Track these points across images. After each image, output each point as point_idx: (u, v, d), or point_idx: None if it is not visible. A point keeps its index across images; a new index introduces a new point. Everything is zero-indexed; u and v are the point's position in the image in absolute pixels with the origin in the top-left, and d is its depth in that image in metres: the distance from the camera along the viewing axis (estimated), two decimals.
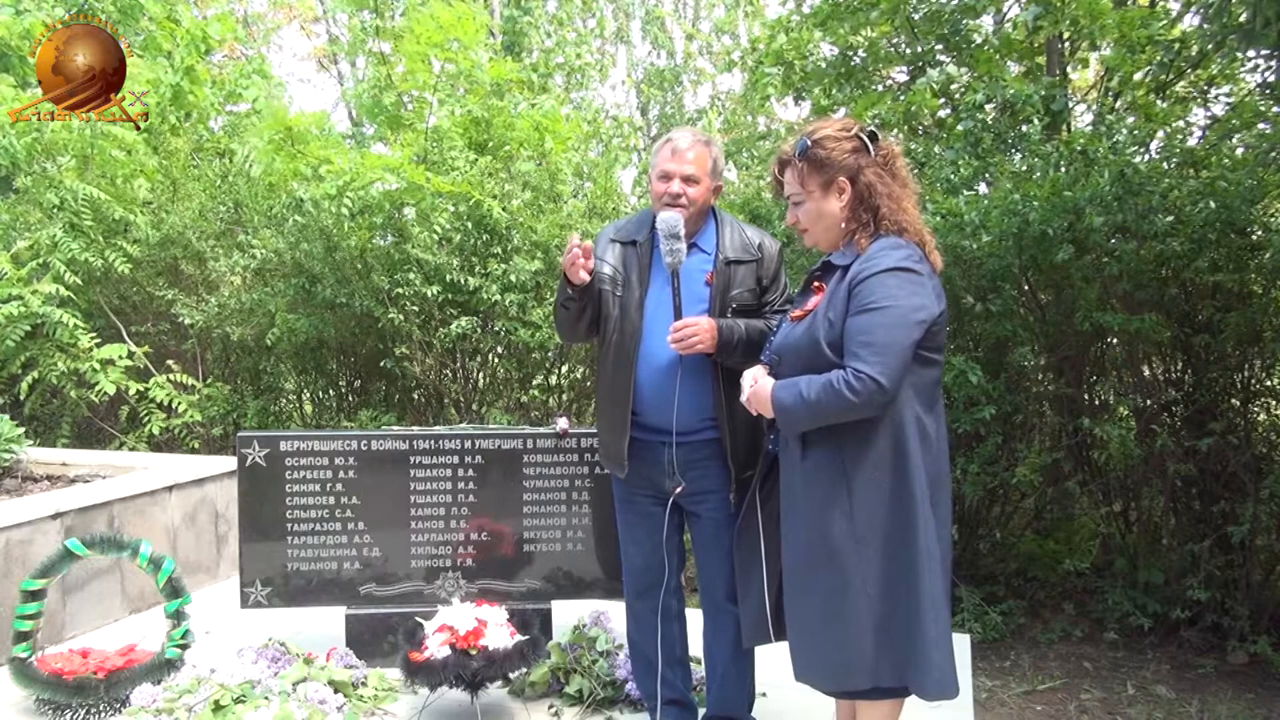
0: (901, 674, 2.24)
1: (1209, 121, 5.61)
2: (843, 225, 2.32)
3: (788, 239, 4.10)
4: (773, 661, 2.88)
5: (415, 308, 5.25)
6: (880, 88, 6.26)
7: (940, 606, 2.23)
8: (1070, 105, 5.40)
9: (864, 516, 2.21)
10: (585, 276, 2.67)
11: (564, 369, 5.75)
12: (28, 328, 5.68)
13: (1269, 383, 4.24)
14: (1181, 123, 5.25)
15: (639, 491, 2.83)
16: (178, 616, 3.34)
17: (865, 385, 2.10)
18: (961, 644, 3.51)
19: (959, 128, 4.63)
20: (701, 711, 3.00)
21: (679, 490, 2.71)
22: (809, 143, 2.31)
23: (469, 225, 5.30)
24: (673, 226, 2.56)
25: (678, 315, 2.60)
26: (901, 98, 5.54)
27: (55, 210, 6.03)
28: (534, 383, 5.75)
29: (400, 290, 5.17)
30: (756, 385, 2.35)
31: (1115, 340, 4.34)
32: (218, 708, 3.00)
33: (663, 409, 2.69)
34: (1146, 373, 4.38)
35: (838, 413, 2.16)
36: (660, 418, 2.71)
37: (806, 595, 2.30)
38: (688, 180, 2.69)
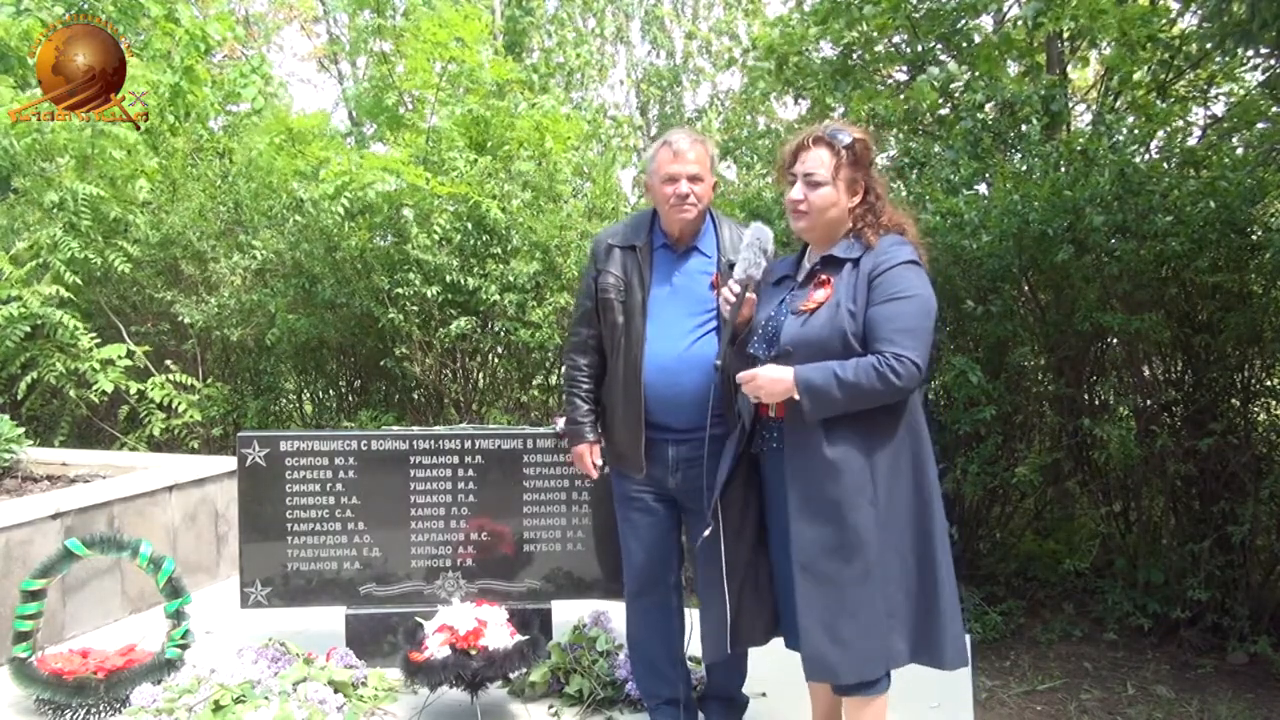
0: (917, 652, 2.35)
1: (1209, 121, 5.61)
2: (847, 223, 2.43)
3: (785, 241, 4.09)
4: (773, 662, 2.88)
5: (415, 308, 5.24)
6: (880, 87, 6.26)
7: (953, 580, 2.37)
8: (1070, 105, 5.40)
9: (889, 503, 2.30)
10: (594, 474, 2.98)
11: (564, 369, 5.75)
12: (28, 328, 5.68)
13: (1269, 383, 4.24)
14: (1181, 122, 5.25)
15: (643, 489, 2.85)
16: (178, 616, 3.34)
17: (907, 369, 2.21)
18: None
19: (959, 127, 4.63)
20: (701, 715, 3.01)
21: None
22: (853, 138, 2.40)
23: (468, 225, 5.30)
24: (768, 240, 2.46)
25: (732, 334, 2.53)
26: (901, 95, 5.55)
27: (54, 210, 6.03)
28: (534, 383, 5.75)
29: (400, 290, 5.17)
30: (766, 370, 2.35)
31: (1115, 340, 4.33)
32: (218, 708, 3.00)
33: (667, 408, 2.72)
34: (1146, 373, 4.38)
35: (876, 395, 2.24)
36: (665, 416, 2.73)
37: (825, 589, 2.31)
38: (693, 179, 2.70)
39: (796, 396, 2.28)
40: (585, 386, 2.93)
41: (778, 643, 2.66)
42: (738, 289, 2.44)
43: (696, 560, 2.61)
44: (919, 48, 6.05)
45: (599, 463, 2.92)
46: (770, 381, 2.33)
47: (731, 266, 2.67)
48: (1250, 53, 4.66)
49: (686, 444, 2.71)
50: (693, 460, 2.71)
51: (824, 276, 2.39)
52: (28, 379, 5.80)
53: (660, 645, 2.94)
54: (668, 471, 2.77)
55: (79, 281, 5.84)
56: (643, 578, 2.91)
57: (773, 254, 2.52)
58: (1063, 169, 4.26)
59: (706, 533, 2.49)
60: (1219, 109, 5.63)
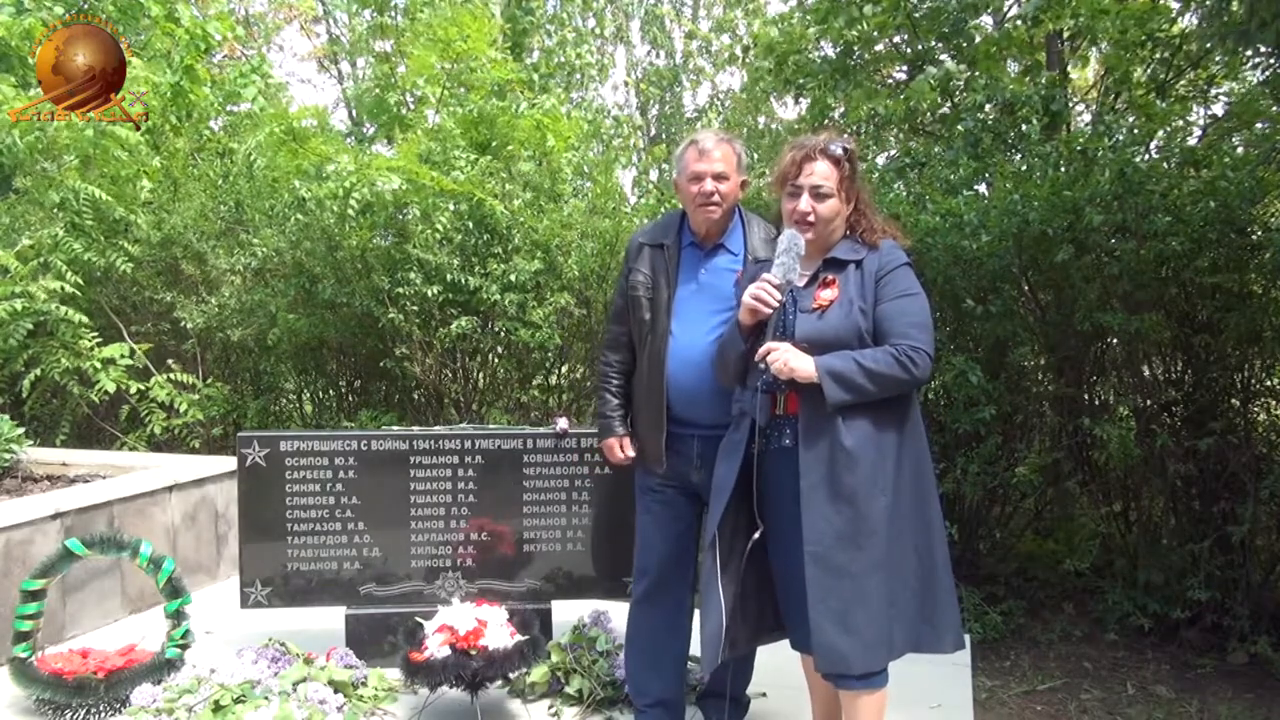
0: (918, 640, 2.41)
1: (1209, 121, 5.62)
2: (842, 229, 2.52)
3: None
4: (773, 662, 2.88)
5: (415, 308, 5.24)
6: (880, 87, 6.26)
7: (949, 567, 2.47)
8: (1070, 105, 5.40)
9: (896, 493, 2.37)
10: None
11: (564, 369, 5.75)
12: (31, 325, 5.68)
13: (1269, 383, 4.24)
14: (1181, 122, 5.25)
15: (666, 481, 2.87)
16: (178, 616, 3.34)
17: (924, 360, 2.35)
18: None
19: (959, 127, 4.63)
20: (696, 712, 3.01)
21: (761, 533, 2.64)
22: (846, 149, 2.47)
23: (469, 225, 5.30)
24: (802, 246, 2.42)
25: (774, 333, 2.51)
26: (901, 95, 5.54)
27: (56, 210, 6.03)
28: (534, 383, 5.75)
29: (400, 290, 5.16)
30: (790, 349, 2.36)
31: (1115, 340, 4.33)
32: (218, 708, 3.00)
33: (692, 403, 2.75)
34: (1146, 373, 4.38)
35: (896, 383, 2.35)
36: (689, 411, 2.76)
37: (838, 578, 2.34)
38: (718, 178, 2.74)
39: (817, 379, 2.33)
40: (616, 382, 2.98)
41: (777, 644, 2.66)
42: (779, 295, 2.42)
43: (703, 564, 2.61)
44: (919, 47, 6.04)
45: (629, 454, 2.94)
46: (794, 356, 2.36)
47: (757, 263, 2.68)
48: (1250, 53, 4.66)
49: (711, 439, 2.71)
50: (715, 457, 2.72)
51: (829, 277, 2.47)
52: (31, 376, 5.80)
53: (668, 643, 2.95)
54: (691, 466, 2.80)
55: (80, 281, 5.84)
56: (657, 573, 2.91)
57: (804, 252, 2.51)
58: (1063, 169, 4.26)
59: (757, 534, 2.48)
60: (1219, 109, 5.63)
